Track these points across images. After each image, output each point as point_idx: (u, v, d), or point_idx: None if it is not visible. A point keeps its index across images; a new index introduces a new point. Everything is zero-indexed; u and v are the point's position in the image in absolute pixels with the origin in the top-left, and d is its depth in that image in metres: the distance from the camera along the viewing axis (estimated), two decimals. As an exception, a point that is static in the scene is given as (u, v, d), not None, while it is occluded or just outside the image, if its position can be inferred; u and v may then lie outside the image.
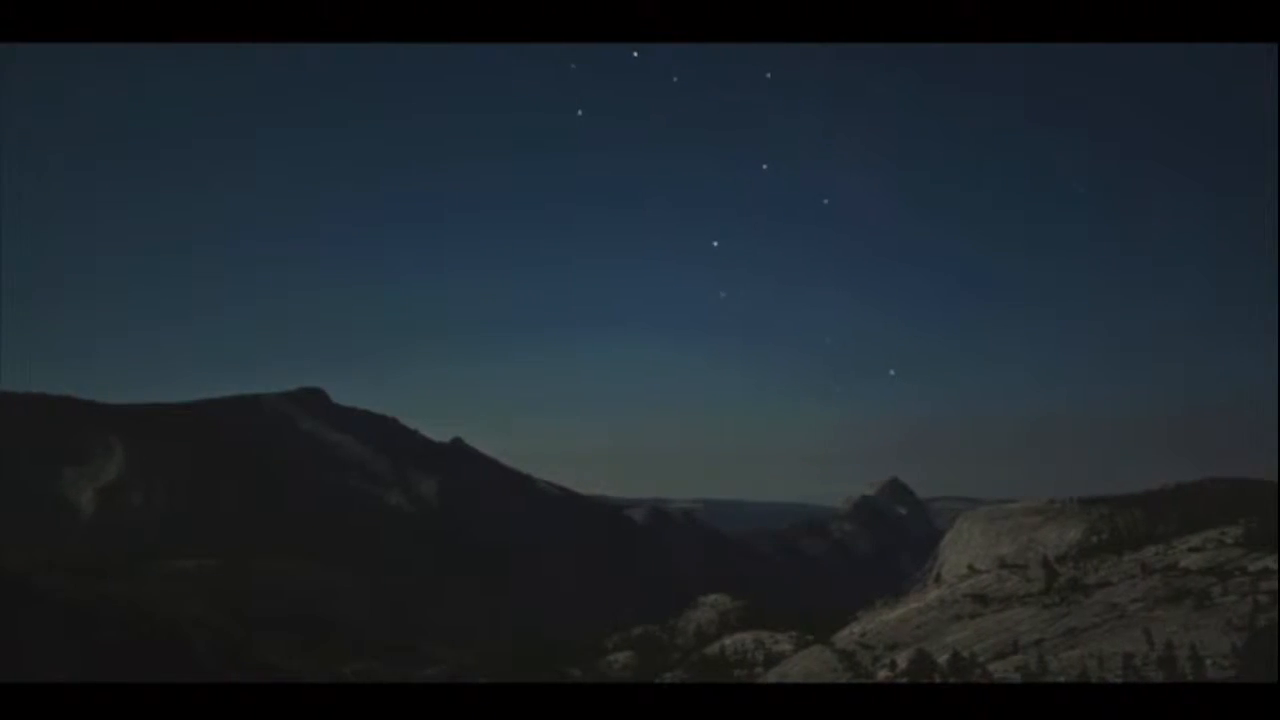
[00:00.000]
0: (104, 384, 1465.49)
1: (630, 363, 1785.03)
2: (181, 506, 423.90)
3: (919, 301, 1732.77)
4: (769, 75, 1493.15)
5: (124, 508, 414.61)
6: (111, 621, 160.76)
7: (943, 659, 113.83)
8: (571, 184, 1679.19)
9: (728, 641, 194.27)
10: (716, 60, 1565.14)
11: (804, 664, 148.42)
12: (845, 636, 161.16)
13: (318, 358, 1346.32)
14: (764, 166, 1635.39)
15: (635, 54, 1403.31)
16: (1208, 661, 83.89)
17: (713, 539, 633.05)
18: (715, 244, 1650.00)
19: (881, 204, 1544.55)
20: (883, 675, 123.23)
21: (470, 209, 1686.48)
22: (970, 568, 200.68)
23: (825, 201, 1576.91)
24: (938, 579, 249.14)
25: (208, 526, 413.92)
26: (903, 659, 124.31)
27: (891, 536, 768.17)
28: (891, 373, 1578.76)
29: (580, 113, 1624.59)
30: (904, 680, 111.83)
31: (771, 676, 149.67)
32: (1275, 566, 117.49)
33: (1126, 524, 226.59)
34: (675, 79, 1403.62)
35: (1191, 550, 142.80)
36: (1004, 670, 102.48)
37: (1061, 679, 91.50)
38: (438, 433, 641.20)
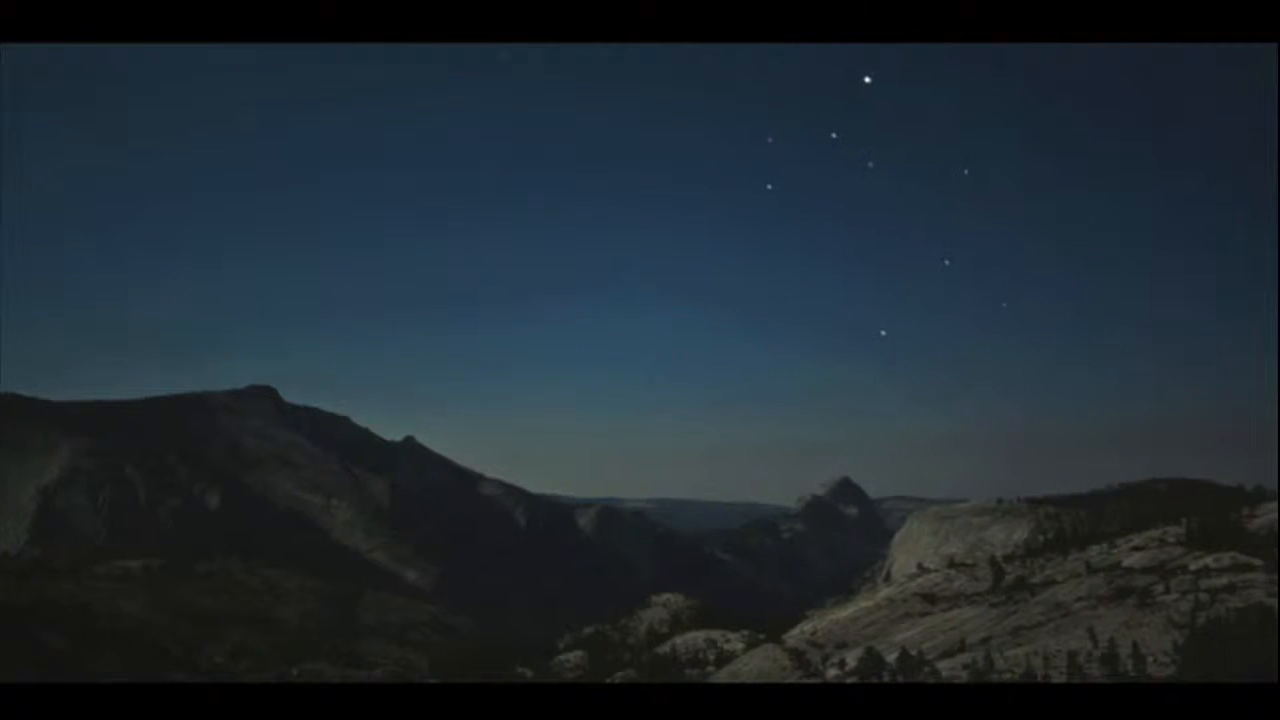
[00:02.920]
0: (47, 380, 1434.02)
1: (585, 364, 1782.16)
2: (126, 505, 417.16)
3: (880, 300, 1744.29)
4: (966, 172, 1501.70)
5: (67, 507, 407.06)
6: (54, 622, 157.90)
7: (891, 657, 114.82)
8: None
9: (679, 641, 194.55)
10: (913, 147, 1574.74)
11: (755, 663, 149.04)
12: (796, 635, 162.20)
13: (270, 354, 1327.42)
14: (946, 261, 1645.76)
15: (834, 135, 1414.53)
16: (1149, 659, 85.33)
17: (664, 539, 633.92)
18: (883, 332, 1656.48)
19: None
20: (832, 674, 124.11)
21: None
22: (920, 567, 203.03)
23: (1005, 305, 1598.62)
24: (888, 578, 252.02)
25: (153, 526, 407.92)
26: (852, 658, 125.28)
27: (842, 536, 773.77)
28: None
29: (770, 186, 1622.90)
30: (853, 679, 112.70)
31: (723, 676, 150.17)
32: (1214, 565, 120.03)
33: (1072, 523, 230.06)
34: (870, 164, 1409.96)
35: (1135, 549, 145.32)
36: (952, 668, 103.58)
37: (1008, 676, 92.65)
38: (390, 431, 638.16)
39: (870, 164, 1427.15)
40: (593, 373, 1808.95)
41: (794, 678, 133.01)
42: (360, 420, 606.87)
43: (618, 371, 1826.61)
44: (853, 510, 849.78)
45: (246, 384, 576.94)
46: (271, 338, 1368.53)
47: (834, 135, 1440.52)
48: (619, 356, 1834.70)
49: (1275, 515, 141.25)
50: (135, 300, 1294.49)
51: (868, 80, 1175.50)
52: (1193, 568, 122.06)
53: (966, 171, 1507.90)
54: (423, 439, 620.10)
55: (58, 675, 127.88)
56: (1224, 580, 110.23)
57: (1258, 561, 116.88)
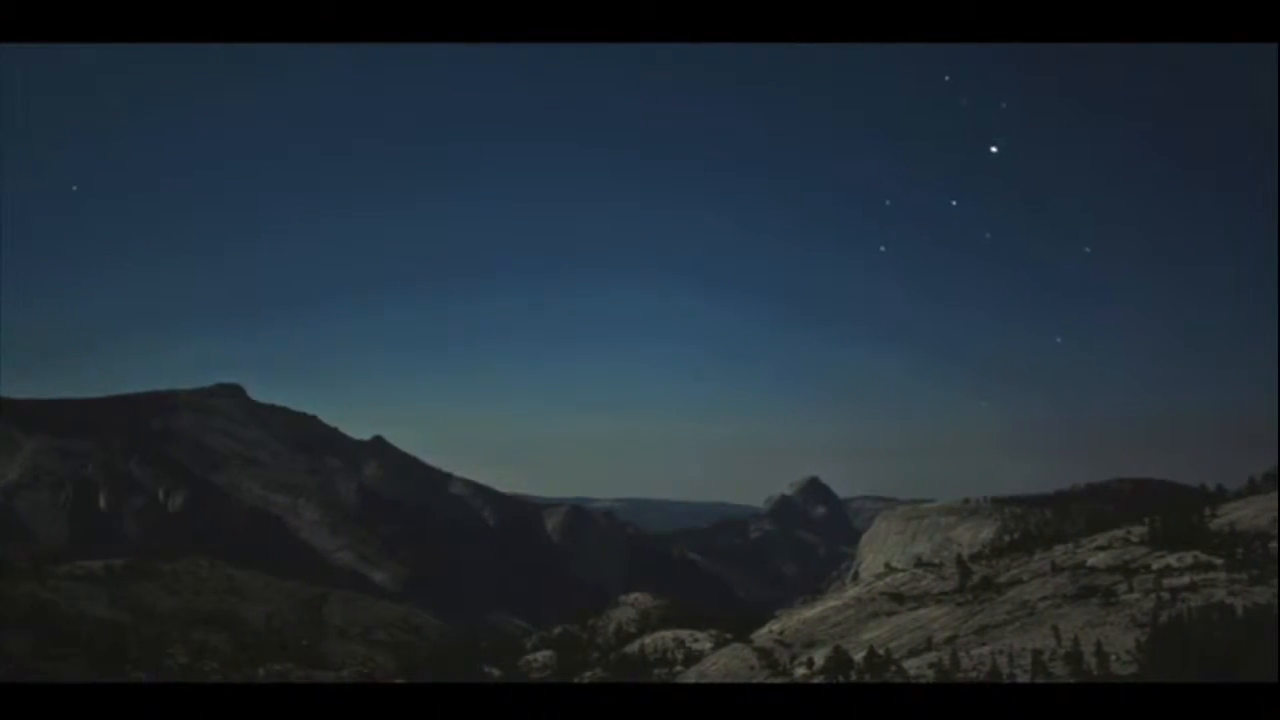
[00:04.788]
0: (8, 378, 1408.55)
1: (557, 363, 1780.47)
2: (89, 505, 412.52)
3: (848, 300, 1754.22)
4: (1088, 250, 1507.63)
5: (29, 506, 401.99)
6: (15, 623, 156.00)
7: (859, 656, 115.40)
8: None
9: (647, 640, 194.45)
10: (1033, 214, 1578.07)
11: (723, 662, 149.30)
12: (764, 635, 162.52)
13: (236, 352, 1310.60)
14: (1058, 339, 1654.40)
15: (954, 203, 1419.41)
16: (1112, 657, 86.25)
17: (633, 538, 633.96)
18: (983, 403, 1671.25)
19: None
20: (800, 673, 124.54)
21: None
22: (887, 566, 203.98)
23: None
24: (855, 577, 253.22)
25: (116, 526, 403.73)
26: (820, 657, 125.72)
27: (811, 536, 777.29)
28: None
29: (883, 248, 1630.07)
30: (820, 678, 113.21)
31: (691, 675, 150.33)
32: (1176, 564, 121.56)
33: (1037, 523, 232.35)
34: (988, 235, 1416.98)
35: (1099, 549, 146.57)
36: (918, 667, 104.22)
37: (973, 675, 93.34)
38: (358, 430, 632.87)
39: (988, 235, 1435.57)
40: (563, 374, 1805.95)
41: (762, 677, 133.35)
42: (328, 419, 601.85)
43: (589, 372, 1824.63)
44: (821, 510, 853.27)
45: (213, 382, 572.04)
46: (238, 335, 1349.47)
47: (953, 203, 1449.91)
48: (590, 357, 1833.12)
49: (1234, 516, 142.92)
50: (99, 296, 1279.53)
51: (994, 150, 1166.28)
52: (1155, 567, 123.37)
53: (1088, 250, 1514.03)
54: (391, 438, 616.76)
55: (19, 676, 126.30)
56: (1185, 579, 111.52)
57: (1218, 560, 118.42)
